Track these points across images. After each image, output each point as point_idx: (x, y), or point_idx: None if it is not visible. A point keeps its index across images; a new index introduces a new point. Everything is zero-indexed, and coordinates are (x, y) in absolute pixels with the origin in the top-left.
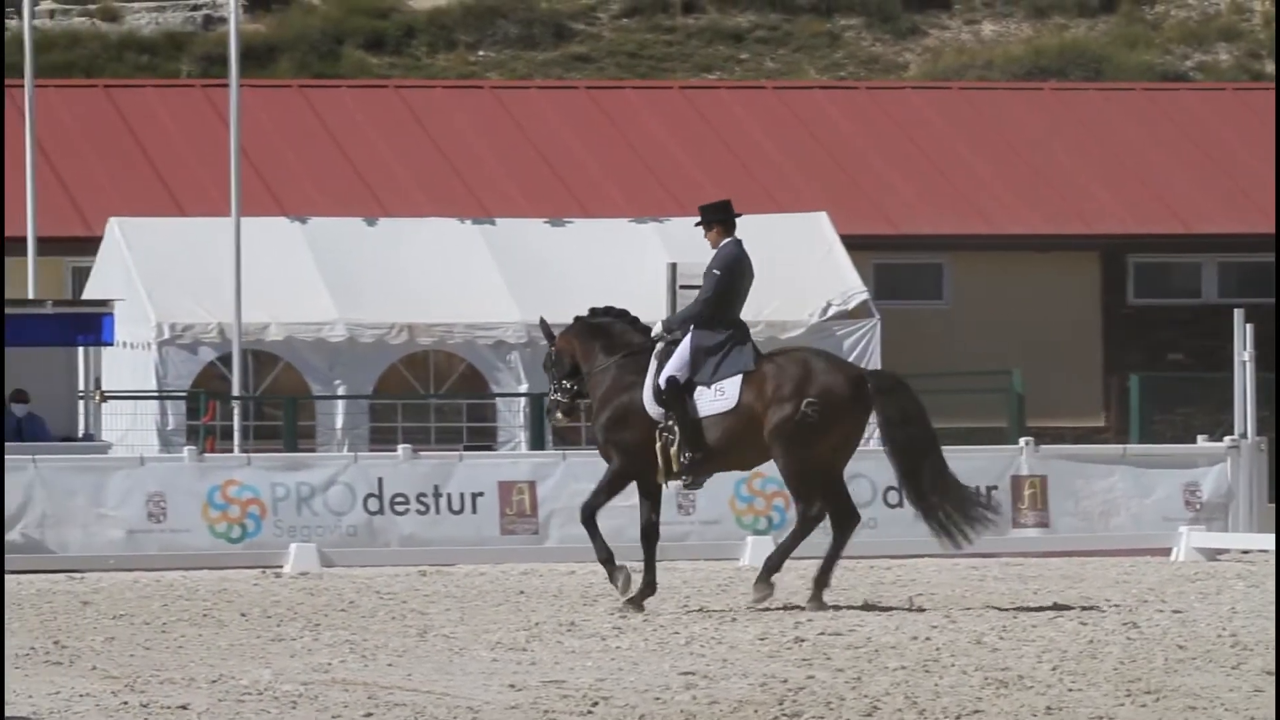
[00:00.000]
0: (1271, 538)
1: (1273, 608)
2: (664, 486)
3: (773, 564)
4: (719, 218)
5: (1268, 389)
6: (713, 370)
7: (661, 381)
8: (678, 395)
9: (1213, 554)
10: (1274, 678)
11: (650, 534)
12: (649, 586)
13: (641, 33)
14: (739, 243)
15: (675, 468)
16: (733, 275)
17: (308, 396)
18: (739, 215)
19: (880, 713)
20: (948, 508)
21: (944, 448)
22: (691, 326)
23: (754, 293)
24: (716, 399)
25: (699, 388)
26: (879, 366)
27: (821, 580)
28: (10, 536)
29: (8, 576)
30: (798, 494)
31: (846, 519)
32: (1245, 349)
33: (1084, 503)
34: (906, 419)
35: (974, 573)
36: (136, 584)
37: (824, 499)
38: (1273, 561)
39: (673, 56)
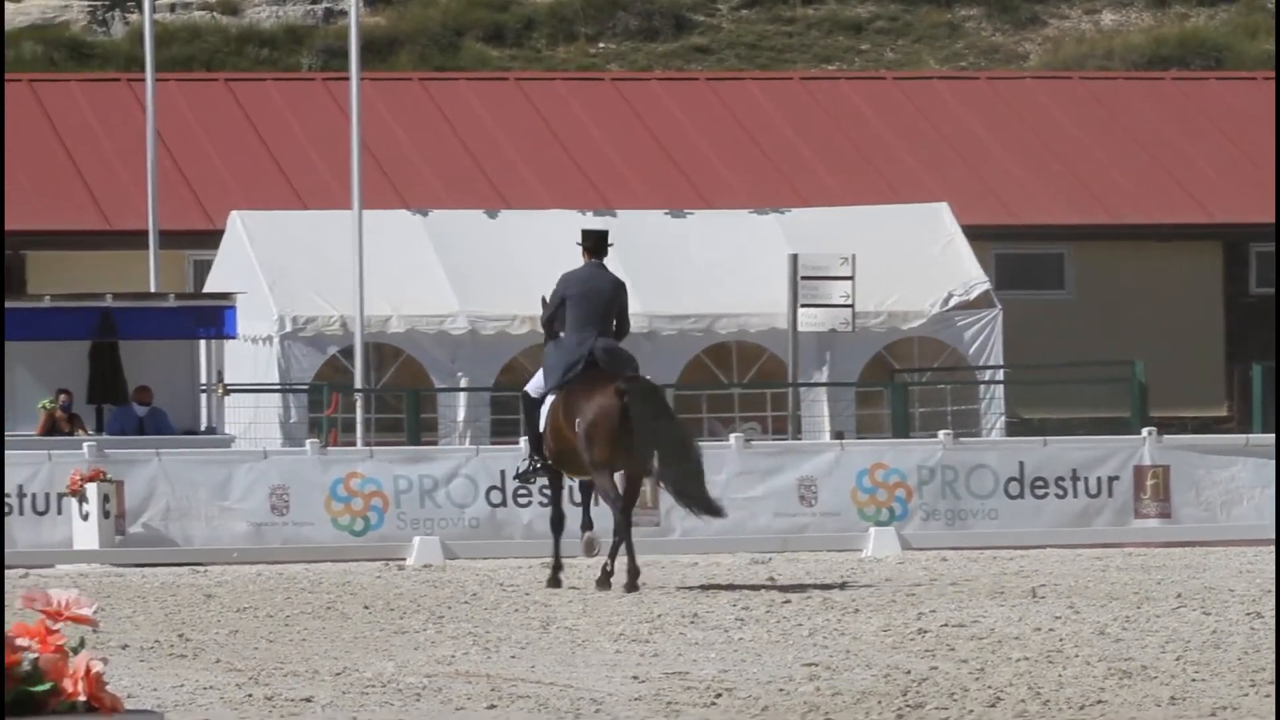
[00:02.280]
0: None
1: None
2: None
3: (630, 565)
4: (587, 244)
5: None
6: (547, 386)
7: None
8: (528, 408)
9: None
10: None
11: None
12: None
13: (761, 24)
14: (594, 265)
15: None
16: (563, 295)
17: (430, 389)
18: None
19: (1003, 703)
20: (690, 491)
21: (1066, 438)
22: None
23: (876, 283)
24: (544, 415)
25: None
26: (999, 358)
27: (611, 560)
28: (133, 529)
29: (132, 569)
30: (605, 499)
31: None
32: None
33: (1206, 493)
34: (656, 421)
35: (1097, 563)
36: (260, 577)
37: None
38: None
39: (792, 47)
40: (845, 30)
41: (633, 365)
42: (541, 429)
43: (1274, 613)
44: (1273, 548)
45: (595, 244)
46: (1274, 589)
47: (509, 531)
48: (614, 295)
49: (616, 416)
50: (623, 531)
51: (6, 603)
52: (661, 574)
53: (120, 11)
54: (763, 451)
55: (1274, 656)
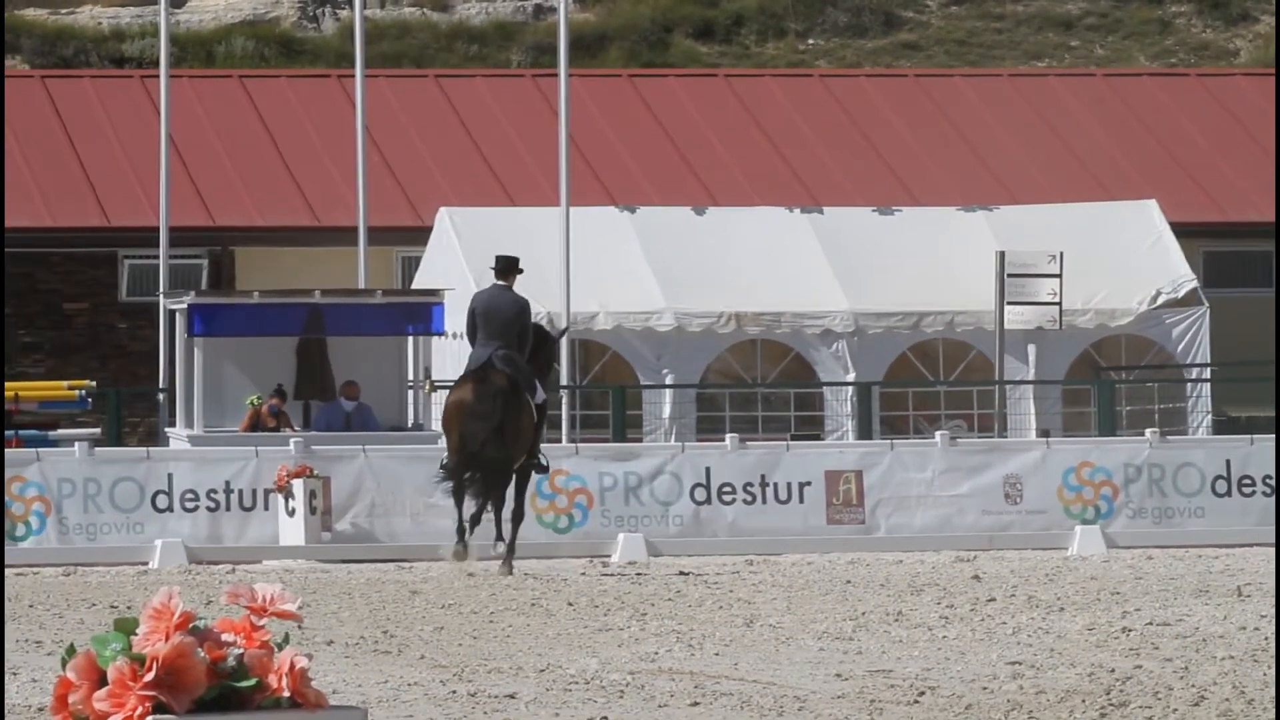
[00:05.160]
0: None
1: None
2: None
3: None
4: (495, 267)
5: None
6: None
7: None
8: None
9: None
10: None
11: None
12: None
13: (970, 20)
14: (497, 287)
15: None
16: (472, 313)
17: (635, 385)
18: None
19: (1208, 703)
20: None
21: (1273, 437)
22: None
23: (1083, 280)
24: None
25: None
26: (1206, 356)
27: (500, 551)
28: (340, 526)
29: (338, 566)
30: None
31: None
32: None
33: None
34: (490, 415)
35: None
36: (464, 573)
37: (480, 479)
38: None
39: (1002, 44)
40: (1055, 27)
41: (525, 374)
42: None
43: None
44: None
45: (502, 268)
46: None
47: (713, 529)
48: (515, 314)
49: (467, 404)
50: (496, 519)
51: (213, 599)
52: (866, 571)
53: (330, 8)
54: (968, 449)
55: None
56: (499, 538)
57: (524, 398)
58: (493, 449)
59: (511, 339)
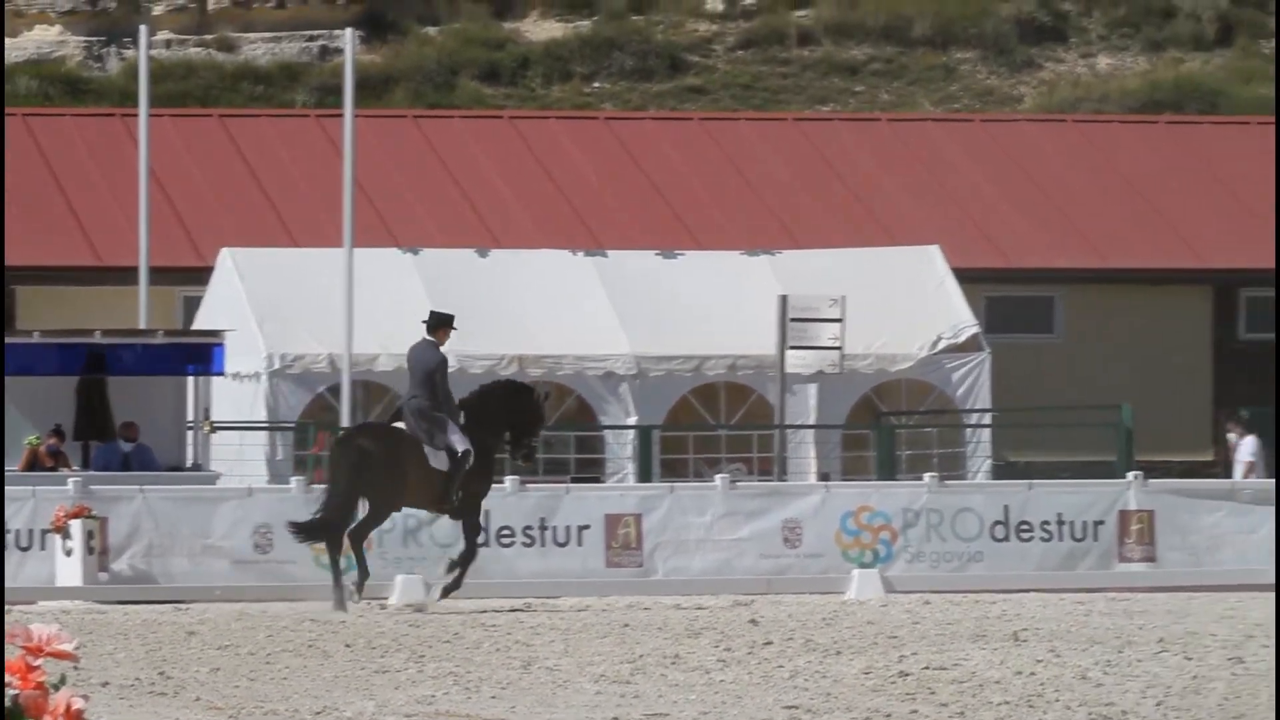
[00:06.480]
0: None
1: None
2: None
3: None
4: (425, 320)
5: None
6: None
7: None
8: None
9: None
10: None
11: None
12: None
13: (756, 64)
14: (425, 342)
15: None
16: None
17: None
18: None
19: None
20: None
21: (1051, 482)
22: None
23: (865, 325)
24: None
25: None
26: (987, 401)
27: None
28: (117, 566)
29: (115, 606)
30: None
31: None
32: None
33: (1191, 538)
34: (361, 466)
35: (1079, 607)
36: (242, 615)
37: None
38: None
39: (787, 89)
40: (840, 72)
41: (434, 424)
42: None
43: (1255, 659)
44: (1255, 594)
45: (431, 324)
46: (1274, 629)
47: (491, 572)
48: (430, 368)
49: (336, 459)
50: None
51: None
52: (644, 615)
53: (116, 47)
54: (748, 493)
55: (1257, 699)
56: (357, 584)
57: (404, 452)
58: (339, 505)
59: (430, 391)
